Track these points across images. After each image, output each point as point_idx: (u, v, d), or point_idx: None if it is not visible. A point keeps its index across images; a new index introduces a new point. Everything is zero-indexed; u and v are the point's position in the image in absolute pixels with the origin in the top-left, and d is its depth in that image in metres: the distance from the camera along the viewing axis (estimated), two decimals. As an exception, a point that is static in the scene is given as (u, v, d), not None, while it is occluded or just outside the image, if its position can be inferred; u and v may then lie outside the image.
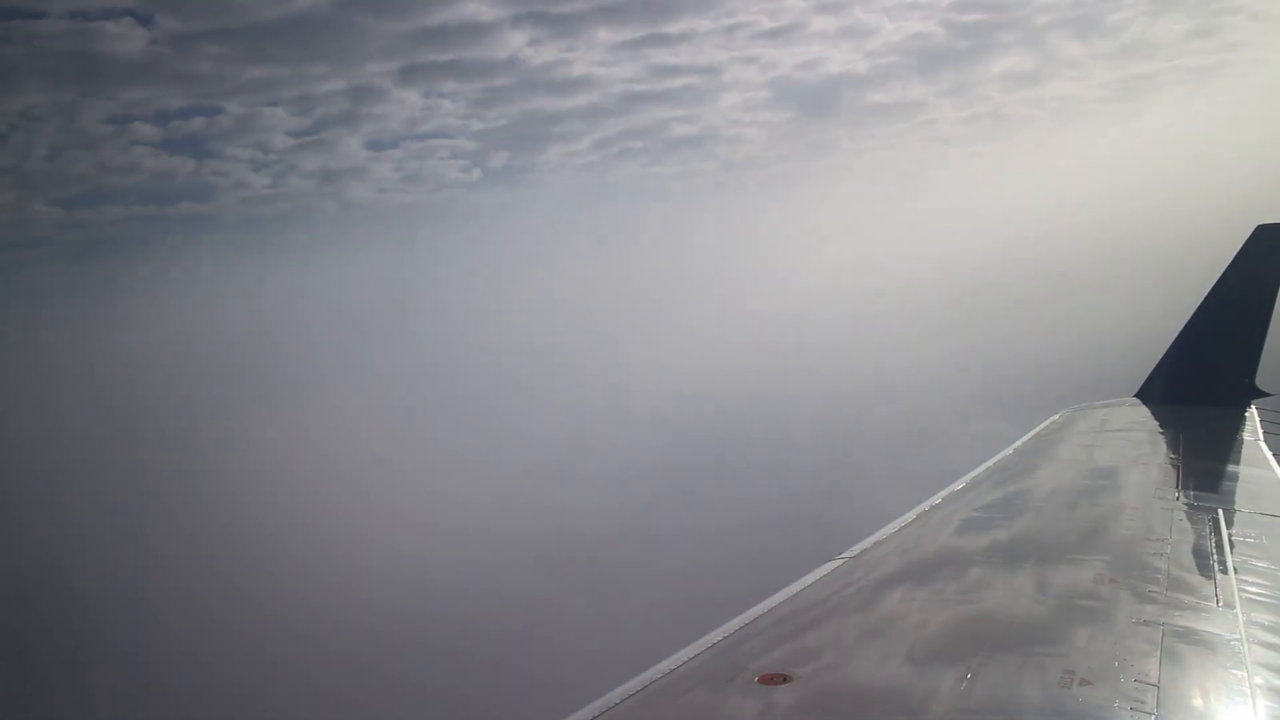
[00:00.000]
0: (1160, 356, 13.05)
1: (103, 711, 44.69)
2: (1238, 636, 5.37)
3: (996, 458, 10.33)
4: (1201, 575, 6.44)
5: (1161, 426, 11.52)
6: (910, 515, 8.28)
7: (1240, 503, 8.35)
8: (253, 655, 46.96)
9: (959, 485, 9.21)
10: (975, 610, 5.90)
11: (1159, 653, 5.12)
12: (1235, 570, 6.44)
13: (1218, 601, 5.92)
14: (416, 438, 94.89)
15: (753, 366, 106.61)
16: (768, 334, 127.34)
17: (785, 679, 4.98)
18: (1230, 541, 7.02)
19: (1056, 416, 12.50)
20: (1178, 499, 8.30)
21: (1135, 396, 12.95)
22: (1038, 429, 11.87)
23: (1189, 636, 5.42)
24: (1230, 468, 9.70)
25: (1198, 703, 4.73)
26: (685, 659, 5.48)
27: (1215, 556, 6.76)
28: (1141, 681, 4.79)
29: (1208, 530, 7.34)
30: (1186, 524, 7.60)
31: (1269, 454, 9.91)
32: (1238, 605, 5.79)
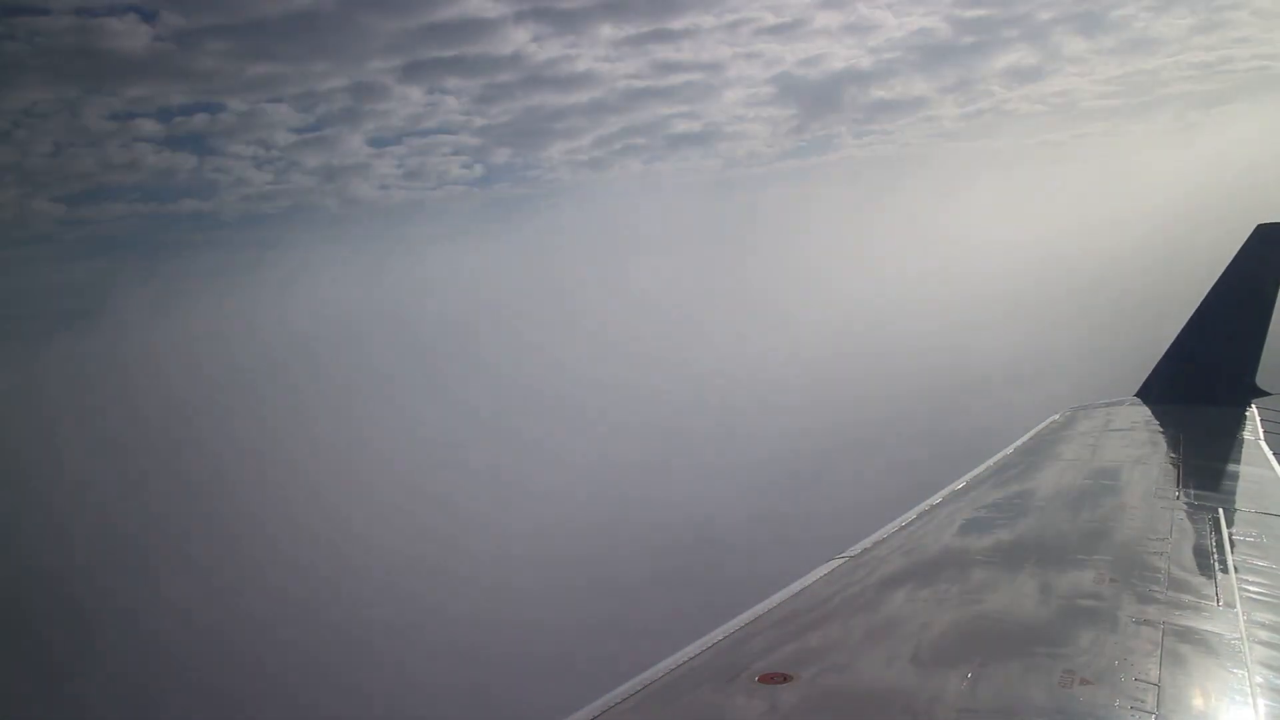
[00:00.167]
0: (1161, 356, 13.06)
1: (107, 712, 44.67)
2: (1238, 636, 5.36)
3: (996, 457, 10.33)
4: (1202, 574, 6.44)
5: (1162, 426, 11.52)
6: (911, 514, 8.27)
7: (1241, 502, 8.35)
8: (281, 656, 46.79)
9: (959, 484, 9.20)
10: (976, 610, 5.89)
11: (1159, 652, 5.11)
12: (1236, 569, 6.43)
13: (1218, 601, 5.91)
14: (423, 437, 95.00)
15: (749, 366, 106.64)
16: (765, 333, 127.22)
17: (786, 679, 4.98)
18: (1231, 541, 7.02)
19: (1057, 416, 12.50)
20: (1178, 498, 8.29)
21: (1136, 396, 12.96)
22: (1038, 428, 11.86)
23: (1189, 636, 5.41)
24: (1231, 467, 9.70)
25: (1198, 702, 4.72)
26: (685, 658, 5.47)
27: (1216, 556, 6.76)
28: (1142, 681, 4.78)
29: (1208, 529, 7.34)
30: (1187, 523, 7.60)
31: (1269, 453, 9.91)
32: (1238, 604, 5.78)
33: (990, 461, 10.14)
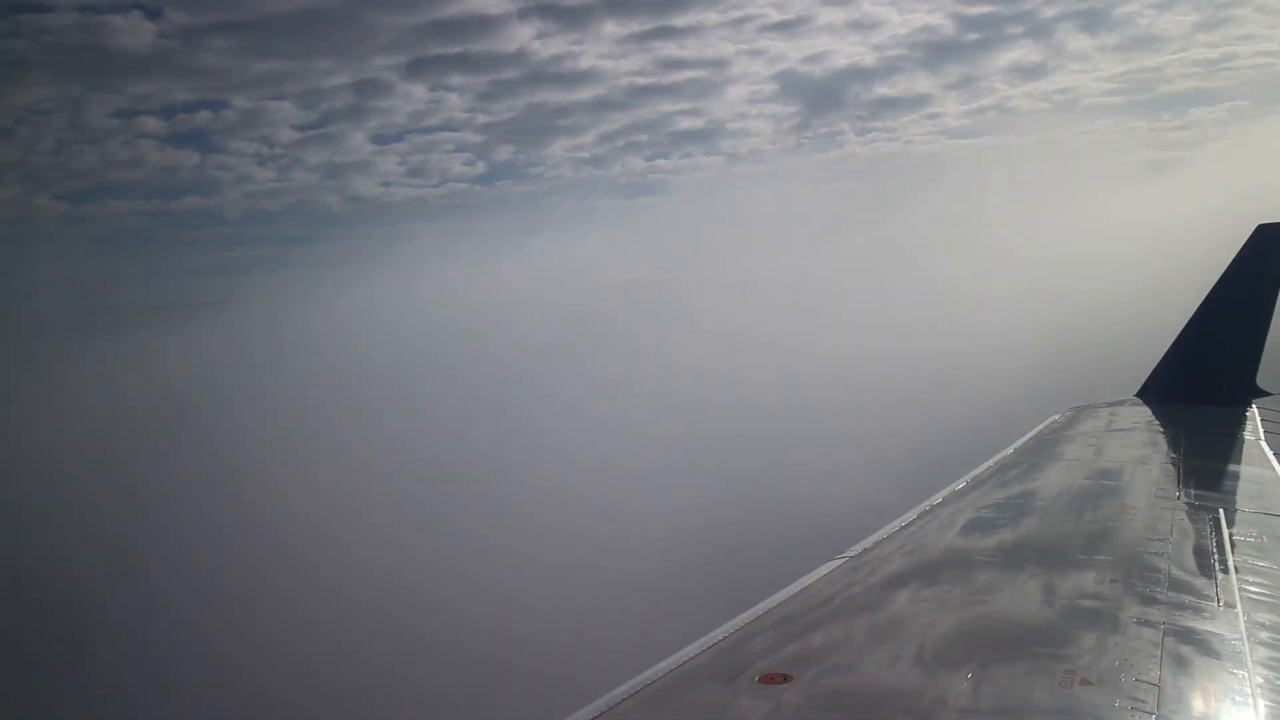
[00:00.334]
0: (1161, 356, 13.07)
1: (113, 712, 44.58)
2: (1239, 636, 5.36)
3: (997, 457, 10.33)
4: (1202, 575, 6.43)
5: (1162, 426, 11.52)
6: (911, 514, 8.27)
7: (1241, 502, 8.35)
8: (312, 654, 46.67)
9: (959, 484, 9.20)
10: (976, 610, 5.89)
11: (1160, 652, 5.11)
12: (1236, 570, 6.43)
13: (1219, 601, 5.91)
14: (416, 435, 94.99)
15: (743, 365, 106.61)
16: (763, 331, 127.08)
17: (785, 679, 4.97)
18: (1231, 541, 7.02)
19: (1057, 415, 12.50)
20: (1178, 498, 8.29)
21: (1136, 396, 12.96)
22: (1038, 428, 11.87)
23: (1190, 636, 5.41)
24: (1231, 467, 9.69)
25: (1198, 703, 4.72)
26: (685, 658, 5.47)
27: (1216, 556, 6.76)
28: (1142, 681, 4.78)
29: (1209, 530, 7.33)
30: (1187, 523, 7.59)
31: (1270, 453, 9.91)
32: (1239, 605, 5.78)
33: (990, 461, 10.14)
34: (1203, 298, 12.73)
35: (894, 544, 7.47)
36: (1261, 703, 4.66)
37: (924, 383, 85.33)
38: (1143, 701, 4.59)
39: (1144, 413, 12.16)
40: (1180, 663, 5.03)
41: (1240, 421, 11.24)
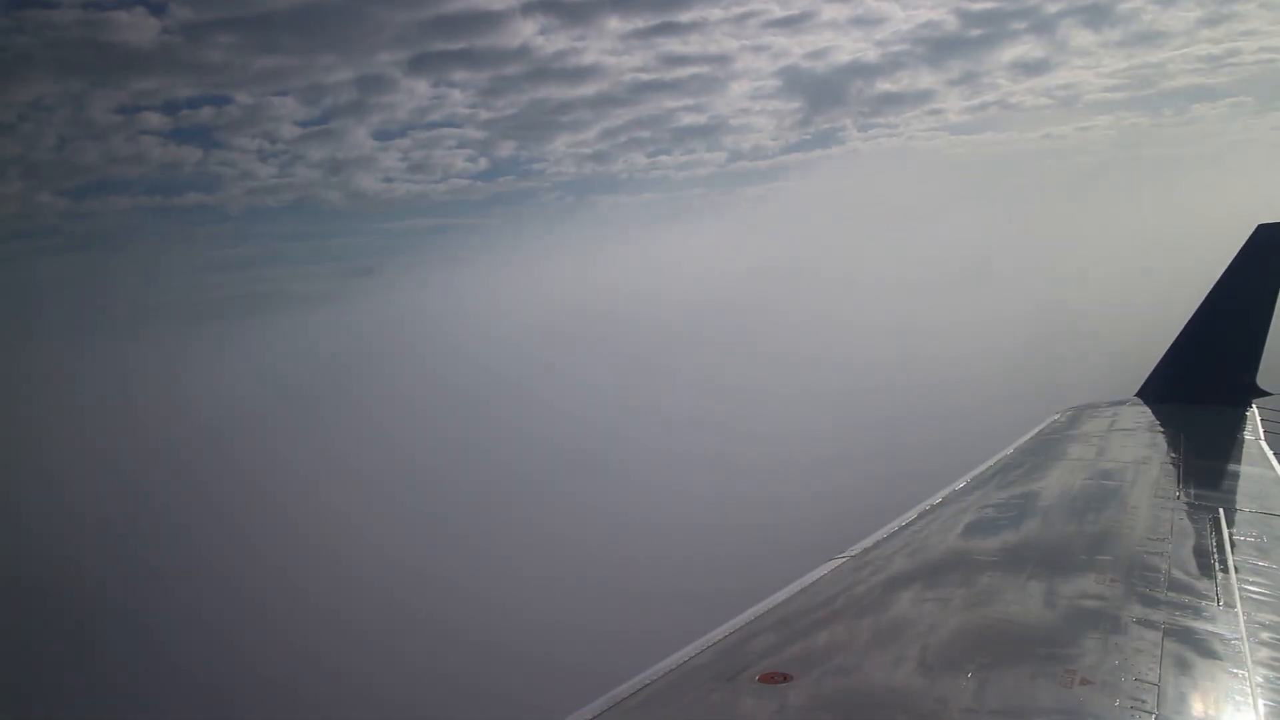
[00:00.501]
0: (1161, 355, 13.06)
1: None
2: (1238, 636, 5.36)
3: (996, 457, 10.32)
4: (1202, 575, 6.43)
5: (1162, 425, 11.52)
6: (911, 514, 8.27)
7: (1241, 502, 8.35)
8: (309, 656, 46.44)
9: (959, 484, 9.20)
10: (976, 609, 5.89)
11: (1159, 652, 5.11)
12: (1236, 570, 6.43)
13: (1218, 601, 5.91)
14: (416, 434, 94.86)
15: (741, 364, 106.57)
16: (760, 331, 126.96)
17: (785, 678, 4.98)
18: (1231, 541, 7.02)
19: (1057, 415, 12.49)
20: (1178, 498, 8.29)
21: (1136, 395, 12.96)
22: (1038, 428, 11.86)
23: (1189, 636, 5.41)
24: (1231, 467, 9.69)
25: (1198, 702, 4.72)
26: (685, 658, 5.48)
27: (1216, 556, 6.76)
28: (1142, 681, 4.78)
29: (1208, 529, 7.33)
30: (1187, 523, 7.59)
31: (1270, 453, 9.90)
32: (1238, 605, 5.78)
33: (990, 461, 10.14)
34: (1203, 297, 12.73)
35: (894, 544, 7.47)
36: (1261, 703, 4.66)
37: (923, 383, 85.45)
38: (1142, 701, 4.59)
39: (1144, 412, 12.15)
40: (1180, 663, 5.04)
41: (1240, 421, 11.24)
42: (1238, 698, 4.75)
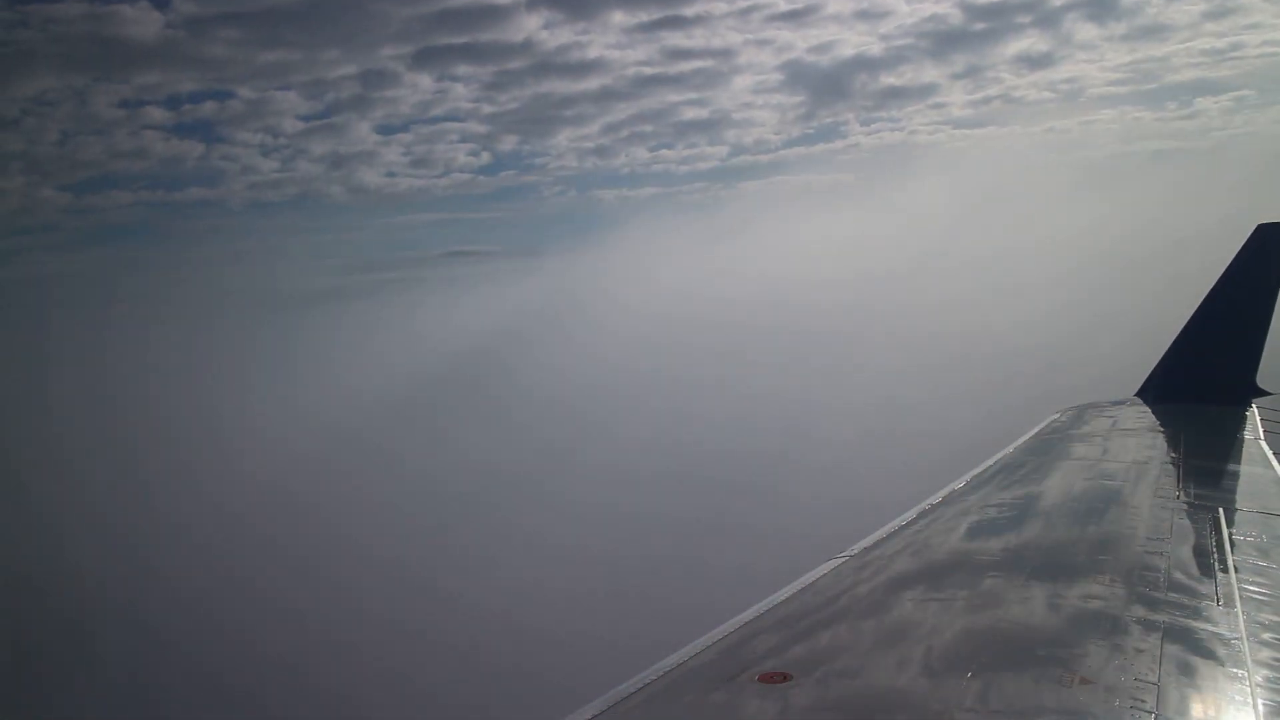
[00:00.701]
0: (1161, 355, 13.06)
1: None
2: (1238, 636, 5.36)
3: (996, 457, 10.32)
4: (1202, 574, 6.43)
5: (1162, 425, 11.52)
6: (910, 513, 8.27)
7: (1241, 501, 8.35)
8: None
9: (959, 484, 9.20)
10: (975, 609, 5.88)
11: (1159, 652, 5.11)
12: (1236, 569, 6.43)
13: (1218, 601, 5.91)
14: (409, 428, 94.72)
15: (741, 363, 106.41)
16: (759, 330, 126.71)
17: (785, 678, 4.98)
18: (1231, 540, 7.02)
19: (1056, 415, 12.49)
20: (1178, 497, 8.29)
21: (1136, 395, 12.96)
22: (1038, 427, 11.85)
23: (1189, 636, 5.41)
24: (1231, 466, 9.69)
25: (1198, 703, 4.72)
26: (685, 658, 5.48)
27: (1215, 555, 6.76)
28: (1142, 681, 4.78)
29: (1208, 529, 7.33)
30: (1187, 523, 7.59)
31: (1269, 453, 9.90)
32: (1238, 604, 5.78)
33: (990, 461, 10.13)
34: (1203, 297, 12.73)
35: (894, 543, 7.47)
36: (1261, 703, 4.66)
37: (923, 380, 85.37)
38: (1142, 701, 4.59)
39: (1143, 412, 12.15)
40: (1180, 662, 5.03)
41: (1240, 421, 11.24)
42: (1238, 698, 4.74)
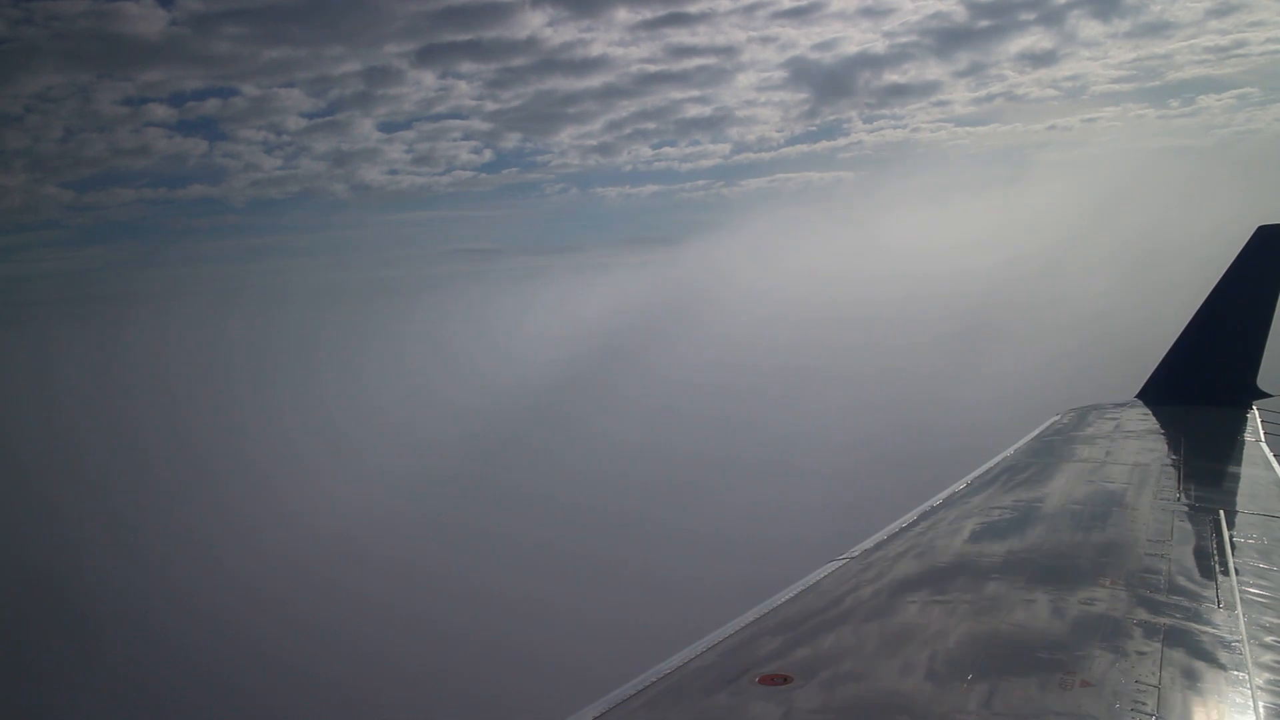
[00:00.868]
0: (1162, 357, 13.07)
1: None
2: (1239, 638, 5.36)
3: (997, 458, 10.31)
4: (1202, 576, 6.44)
5: (1163, 427, 11.53)
6: (911, 516, 8.27)
7: (1241, 503, 8.35)
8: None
9: (959, 486, 9.19)
10: (976, 611, 5.88)
11: (1160, 654, 5.11)
12: (1236, 571, 6.43)
13: (1219, 603, 5.91)
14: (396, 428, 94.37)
15: (746, 366, 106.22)
16: (758, 331, 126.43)
17: (785, 680, 4.98)
18: (1231, 542, 7.02)
19: (1057, 417, 12.49)
20: (1179, 499, 8.29)
21: (1137, 397, 12.96)
22: (1039, 429, 11.85)
23: (1190, 638, 5.41)
24: (1231, 468, 9.69)
25: (1199, 704, 4.72)
26: (685, 659, 5.48)
27: (1216, 558, 6.76)
28: (1142, 683, 4.78)
29: (1209, 531, 7.33)
30: (1187, 525, 7.59)
31: (1270, 455, 9.90)
32: (1239, 606, 5.78)
33: (991, 462, 10.13)
34: (1204, 298, 12.74)
35: (894, 546, 7.47)
36: (1262, 704, 4.66)
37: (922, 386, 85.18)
38: (1143, 703, 4.59)
39: (1144, 414, 12.16)
40: (1181, 665, 5.03)
41: (1240, 423, 11.24)
42: (1238, 700, 4.75)
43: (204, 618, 52.29)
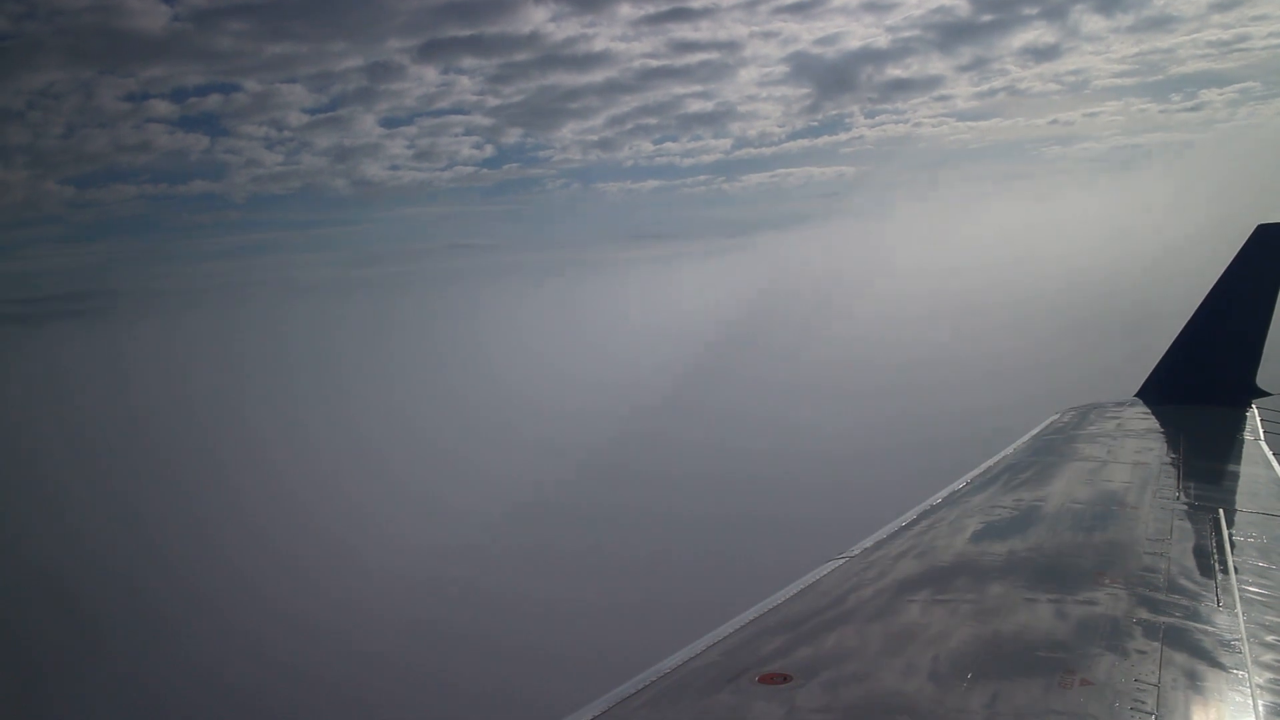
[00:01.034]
0: (1161, 356, 13.08)
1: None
2: (1238, 637, 5.37)
3: (996, 457, 10.32)
4: (1202, 575, 6.44)
5: (1162, 426, 11.54)
6: (911, 514, 8.28)
7: (1241, 502, 8.36)
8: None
9: (959, 485, 9.20)
10: (976, 610, 5.89)
11: (1159, 653, 5.11)
12: (1235, 570, 6.44)
13: (1218, 601, 5.92)
14: (410, 433, 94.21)
15: (744, 364, 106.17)
16: (757, 332, 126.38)
17: (785, 679, 4.98)
18: (1231, 541, 7.03)
19: (1056, 416, 12.50)
20: (1178, 498, 8.30)
21: (1136, 396, 12.97)
22: (1037, 428, 11.86)
23: (1189, 637, 5.42)
24: (1231, 467, 9.71)
25: (1199, 704, 4.72)
26: (685, 659, 5.48)
27: (1216, 556, 6.77)
28: (1142, 682, 4.79)
29: (1208, 530, 7.34)
30: (1187, 524, 7.60)
31: (1269, 453, 9.92)
32: (1238, 605, 5.78)
33: (989, 461, 10.14)
34: (1203, 297, 12.74)
35: (894, 544, 7.48)
36: (1261, 703, 4.66)
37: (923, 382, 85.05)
38: (1142, 702, 4.59)
39: (1143, 413, 12.16)
40: (1180, 664, 5.04)
41: (1240, 422, 11.25)
42: (1238, 699, 4.75)
43: (216, 619, 52.21)
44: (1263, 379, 12.14)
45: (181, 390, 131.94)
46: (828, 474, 62.34)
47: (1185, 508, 8.05)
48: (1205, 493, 8.54)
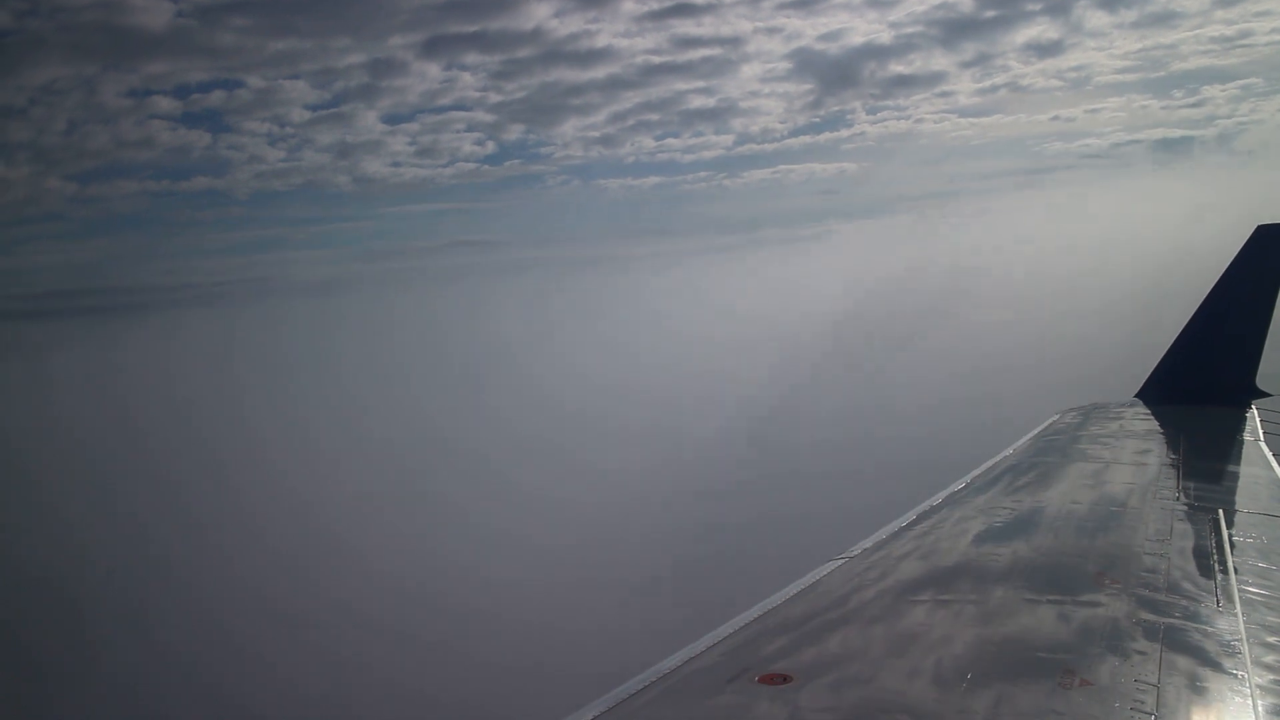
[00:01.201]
0: (1161, 356, 13.09)
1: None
2: (1238, 637, 5.37)
3: (996, 458, 10.33)
4: (1202, 575, 6.45)
5: (1162, 426, 11.54)
6: (910, 515, 8.28)
7: (1241, 503, 8.37)
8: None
9: (959, 485, 9.21)
10: (975, 610, 5.89)
11: (1159, 653, 5.12)
12: (1235, 570, 6.44)
13: (1218, 602, 5.92)
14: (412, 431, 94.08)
15: (743, 364, 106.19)
16: (756, 331, 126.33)
17: (785, 679, 4.99)
18: (1230, 542, 7.03)
19: (1056, 416, 12.50)
20: (1178, 499, 8.31)
21: (1136, 396, 12.98)
22: (1037, 429, 11.87)
23: (1189, 637, 5.42)
24: (1230, 468, 9.71)
25: (1198, 704, 4.73)
26: (684, 659, 5.49)
27: (1215, 557, 6.77)
28: (1142, 682, 4.79)
29: (1208, 530, 7.35)
30: (1186, 524, 7.61)
31: (1269, 454, 9.93)
32: (1238, 606, 5.79)
33: (989, 462, 10.14)
34: (1203, 298, 12.75)
35: (893, 545, 7.48)
36: (1261, 704, 4.67)
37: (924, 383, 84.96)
38: (1142, 702, 4.60)
39: (1143, 413, 12.17)
40: (1180, 664, 5.04)
41: (1240, 422, 11.26)
42: (1238, 699, 4.75)
43: (216, 620, 52.15)
44: (1263, 379, 12.14)
45: (184, 387, 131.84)
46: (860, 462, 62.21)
47: (1185, 508, 8.05)
48: (1205, 493, 8.55)
